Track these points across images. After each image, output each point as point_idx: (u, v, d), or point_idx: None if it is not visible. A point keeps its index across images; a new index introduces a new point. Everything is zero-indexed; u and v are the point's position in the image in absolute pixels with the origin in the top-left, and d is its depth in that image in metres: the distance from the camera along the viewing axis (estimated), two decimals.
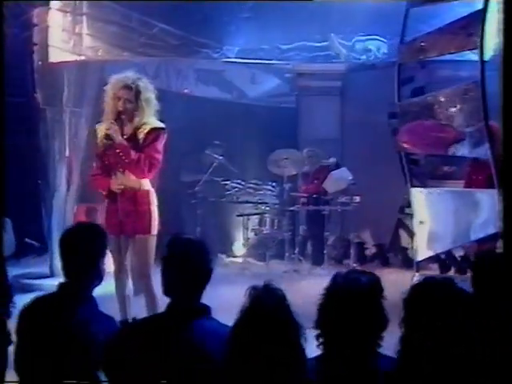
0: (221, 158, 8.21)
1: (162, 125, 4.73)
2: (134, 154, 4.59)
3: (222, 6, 6.74)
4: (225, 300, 3.54)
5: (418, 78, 9.04)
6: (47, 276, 6.99)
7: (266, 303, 2.15)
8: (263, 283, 2.23)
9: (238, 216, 8.31)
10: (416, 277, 5.57)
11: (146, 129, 4.68)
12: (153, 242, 4.66)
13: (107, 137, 4.61)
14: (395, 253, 9.07)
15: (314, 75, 9.32)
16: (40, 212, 7.34)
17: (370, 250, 9.11)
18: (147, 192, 4.73)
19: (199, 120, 8.47)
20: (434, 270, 6.65)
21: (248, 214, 8.25)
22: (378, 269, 8.36)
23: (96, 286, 2.99)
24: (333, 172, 7.76)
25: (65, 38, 6.64)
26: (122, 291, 4.75)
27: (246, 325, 2.14)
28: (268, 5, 6.82)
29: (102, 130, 4.73)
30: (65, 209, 7.23)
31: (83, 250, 2.92)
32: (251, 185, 7.96)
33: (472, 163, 6.93)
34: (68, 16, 6.61)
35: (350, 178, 7.69)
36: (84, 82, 7.12)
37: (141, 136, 4.68)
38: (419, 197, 5.46)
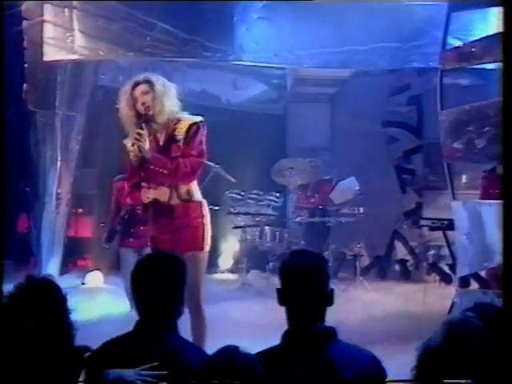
0: (217, 166, 7.81)
1: (197, 118, 4.31)
2: (170, 163, 4.19)
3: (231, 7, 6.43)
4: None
5: (414, 86, 8.95)
6: None
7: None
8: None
9: (235, 228, 7.95)
10: (457, 292, 5.34)
11: (182, 129, 4.26)
12: (205, 259, 4.32)
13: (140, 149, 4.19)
14: (391, 264, 8.92)
15: (308, 81, 9.08)
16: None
17: (365, 262, 8.92)
18: (199, 204, 4.33)
19: None
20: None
21: (245, 226, 7.90)
22: (376, 281, 8.18)
23: (181, 314, 2.73)
24: (341, 182, 7.50)
25: (60, 35, 6.13)
26: None
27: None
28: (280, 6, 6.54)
29: (130, 144, 4.30)
30: (55, 221, 6.69)
31: (169, 278, 2.68)
32: (252, 195, 7.60)
33: (489, 175, 6.74)
34: (65, 11, 6.10)
35: (358, 188, 7.46)
36: (78, 84, 6.64)
37: (179, 138, 4.26)
38: (462, 209, 5.24)
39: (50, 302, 2.30)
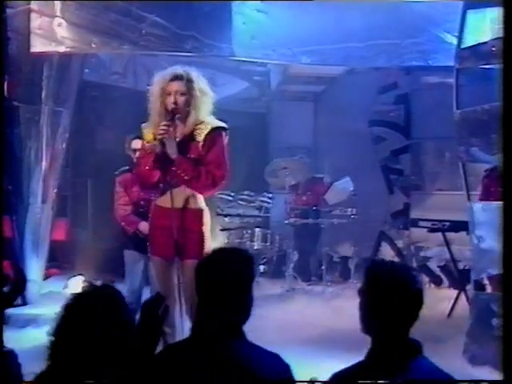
0: None
1: (221, 123, 4.14)
2: (192, 169, 4.01)
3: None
4: None
5: (401, 85, 8.91)
6: (19, 305, 6.03)
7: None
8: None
9: (222, 230, 7.75)
10: (473, 295, 5.30)
11: (203, 130, 4.08)
12: None
13: (161, 143, 4.00)
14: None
15: (294, 79, 8.95)
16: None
17: (351, 264, 8.84)
18: (201, 211, 4.15)
19: None
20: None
21: (232, 228, 7.71)
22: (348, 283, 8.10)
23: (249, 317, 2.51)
24: (336, 183, 7.38)
25: (49, 25, 5.82)
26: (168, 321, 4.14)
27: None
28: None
29: (149, 134, 4.13)
30: (40, 225, 6.37)
31: (238, 278, 2.44)
32: (243, 196, 7.42)
33: (490, 174, 6.72)
34: (54, 1, 5.79)
35: (352, 188, 7.37)
36: (65, 78, 6.34)
37: (199, 139, 4.08)
38: (480, 211, 5.18)
39: (117, 309, 2.20)
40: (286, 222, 7.55)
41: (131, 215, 5.42)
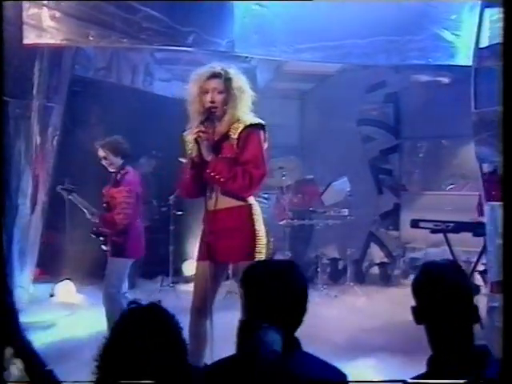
0: None
1: (257, 120, 4.03)
2: (228, 170, 3.90)
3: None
4: None
5: (390, 83, 8.95)
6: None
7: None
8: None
9: None
10: (490, 297, 5.33)
11: (238, 128, 3.97)
12: None
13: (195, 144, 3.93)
14: (367, 268, 8.89)
15: (282, 76, 8.88)
16: None
17: (340, 266, 8.83)
18: (249, 207, 4.03)
19: (151, 117, 7.80)
20: None
21: None
22: (356, 286, 8.10)
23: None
24: (334, 183, 7.34)
25: (43, 16, 5.59)
26: (199, 330, 3.98)
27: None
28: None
29: (190, 137, 4.03)
30: (29, 227, 6.14)
31: (295, 286, 2.39)
32: None
33: (490, 176, 6.78)
34: None
35: (349, 189, 7.35)
36: (58, 71, 6.13)
37: (233, 137, 3.98)
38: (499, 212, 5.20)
39: (172, 329, 2.06)
40: (281, 223, 7.49)
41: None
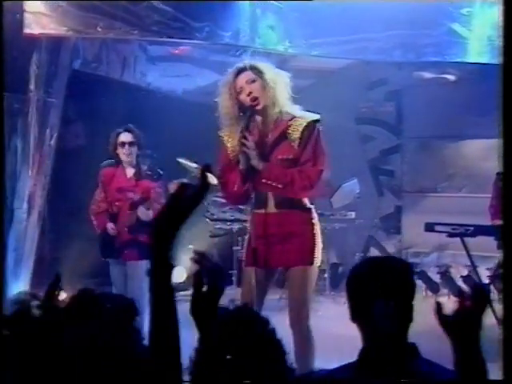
0: (195, 166, 7.26)
1: (315, 116, 3.98)
2: (284, 175, 3.78)
3: None
4: None
5: (392, 81, 8.86)
6: None
7: None
8: None
9: (212, 237, 7.44)
10: None
11: (297, 127, 3.89)
12: (314, 275, 3.95)
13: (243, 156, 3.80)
14: None
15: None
16: None
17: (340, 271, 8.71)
18: (308, 210, 3.95)
19: (142, 113, 7.57)
20: None
21: (222, 235, 7.43)
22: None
23: None
24: (344, 185, 7.20)
25: (48, 4, 5.32)
26: None
27: None
28: None
29: (232, 140, 3.93)
30: (26, 233, 5.85)
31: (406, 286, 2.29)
32: None
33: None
34: None
35: (358, 191, 7.24)
36: (58, 63, 5.84)
37: (294, 137, 3.86)
38: None
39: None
40: None
41: (103, 213, 5.32)
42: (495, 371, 2.19)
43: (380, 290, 2.20)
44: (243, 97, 3.82)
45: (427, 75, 8.51)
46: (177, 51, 8.53)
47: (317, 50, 6.51)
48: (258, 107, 3.83)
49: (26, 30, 5.39)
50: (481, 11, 6.97)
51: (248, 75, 3.84)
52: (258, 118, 3.88)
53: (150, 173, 5.24)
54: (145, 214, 5.07)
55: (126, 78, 7.99)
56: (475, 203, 7.83)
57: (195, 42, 6.00)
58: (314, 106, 9.58)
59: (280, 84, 3.87)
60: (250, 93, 3.80)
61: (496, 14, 6.72)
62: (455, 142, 8.44)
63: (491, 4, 6.87)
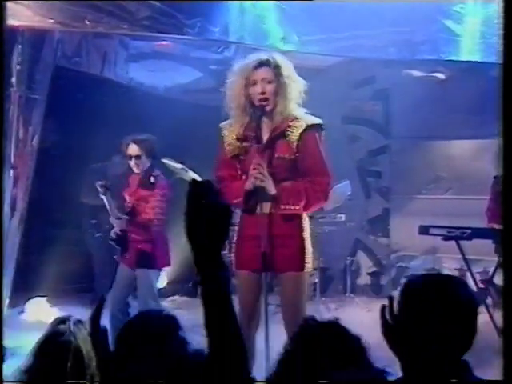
0: (180, 166, 7.04)
1: (317, 120, 3.90)
2: (298, 197, 3.76)
3: None
4: None
5: (379, 79, 8.76)
6: None
7: None
8: None
9: None
10: None
11: (297, 128, 3.81)
12: (306, 280, 3.90)
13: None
14: (353, 279, 8.69)
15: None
16: None
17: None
18: (299, 216, 3.87)
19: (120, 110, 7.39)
20: None
21: None
22: (344, 298, 7.89)
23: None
24: (336, 186, 7.06)
25: None
26: (249, 343, 3.79)
27: None
28: None
29: (232, 135, 3.94)
30: (7, 239, 5.59)
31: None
32: None
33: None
34: None
35: (349, 192, 7.13)
36: (41, 58, 5.62)
37: (292, 138, 3.80)
38: None
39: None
40: None
41: None
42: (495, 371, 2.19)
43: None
44: (254, 91, 3.77)
45: (416, 73, 8.43)
46: (158, 46, 8.36)
47: (310, 47, 6.39)
48: (267, 108, 3.78)
49: (10, 22, 5.13)
50: (474, 9, 6.92)
51: (267, 72, 3.77)
52: (264, 119, 3.82)
53: (153, 181, 5.20)
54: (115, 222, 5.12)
55: (107, 73, 7.79)
56: (465, 205, 7.80)
57: (184, 38, 5.84)
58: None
59: (295, 91, 3.81)
60: (263, 92, 3.75)
61: (490, 11, 6.72)
62: (445, 143, 8.37)
63: (485, 1, 6.83)
